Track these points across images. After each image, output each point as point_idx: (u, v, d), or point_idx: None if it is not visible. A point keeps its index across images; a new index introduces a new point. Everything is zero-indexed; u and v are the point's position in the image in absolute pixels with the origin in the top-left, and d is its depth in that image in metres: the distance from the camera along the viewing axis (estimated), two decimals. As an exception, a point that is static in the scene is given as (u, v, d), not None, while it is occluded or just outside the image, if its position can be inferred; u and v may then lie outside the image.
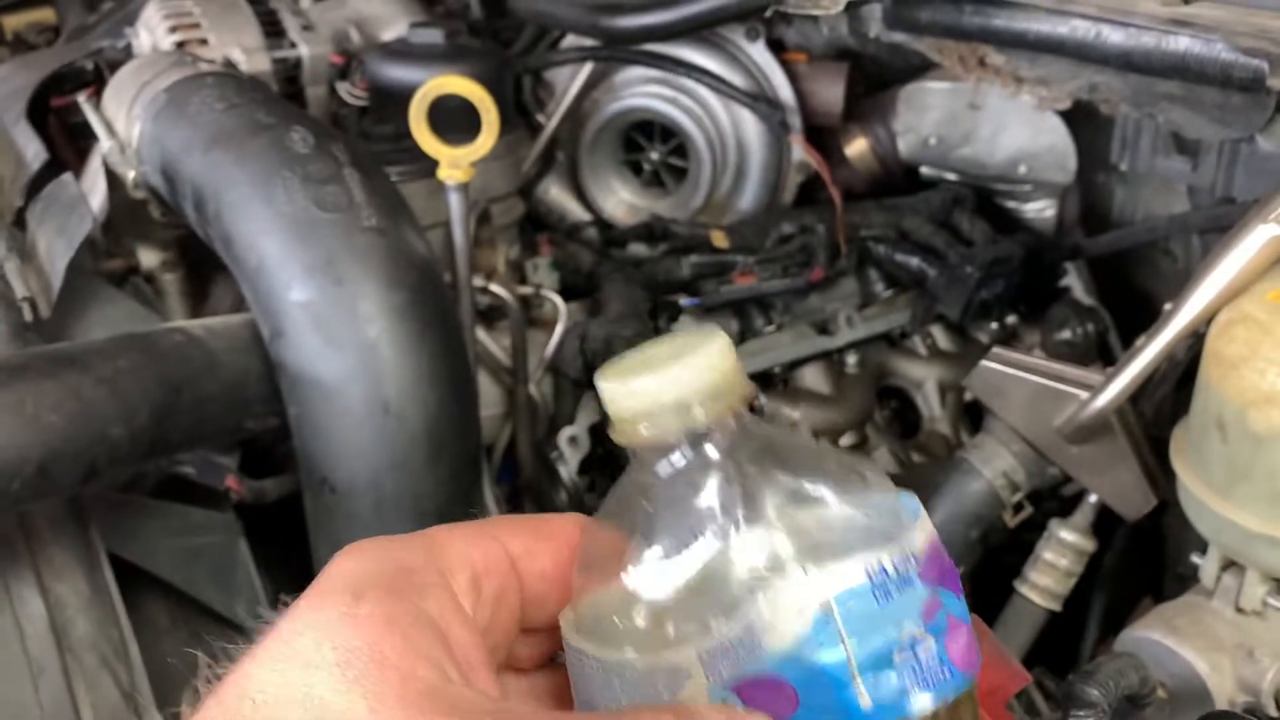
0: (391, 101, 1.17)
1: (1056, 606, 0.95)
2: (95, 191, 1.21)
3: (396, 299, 0.81)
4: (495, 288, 1.08)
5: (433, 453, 0.81)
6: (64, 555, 0.84)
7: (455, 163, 0.87)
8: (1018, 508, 0.96)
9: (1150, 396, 0.92)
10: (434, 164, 1.08)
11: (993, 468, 0.92)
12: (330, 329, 0.79)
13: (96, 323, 1.03)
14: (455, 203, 0.90)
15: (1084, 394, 0.88)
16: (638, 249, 1.44)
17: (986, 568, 1.03)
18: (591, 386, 1.19)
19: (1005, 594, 0.98)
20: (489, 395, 1.20)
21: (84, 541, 0.86)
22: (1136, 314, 1.50)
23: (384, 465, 0.80)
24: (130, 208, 1.17)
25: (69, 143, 1.58)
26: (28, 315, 0.91)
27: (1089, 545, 0.95)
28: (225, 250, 0.86)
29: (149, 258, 1.19)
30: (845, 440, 1.25)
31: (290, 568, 1.27)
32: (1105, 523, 0.97)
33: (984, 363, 0.93)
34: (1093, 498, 0.95)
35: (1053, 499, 1.04)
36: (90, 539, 0.87)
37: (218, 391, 0.83)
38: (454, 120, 0.99)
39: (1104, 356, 1.38)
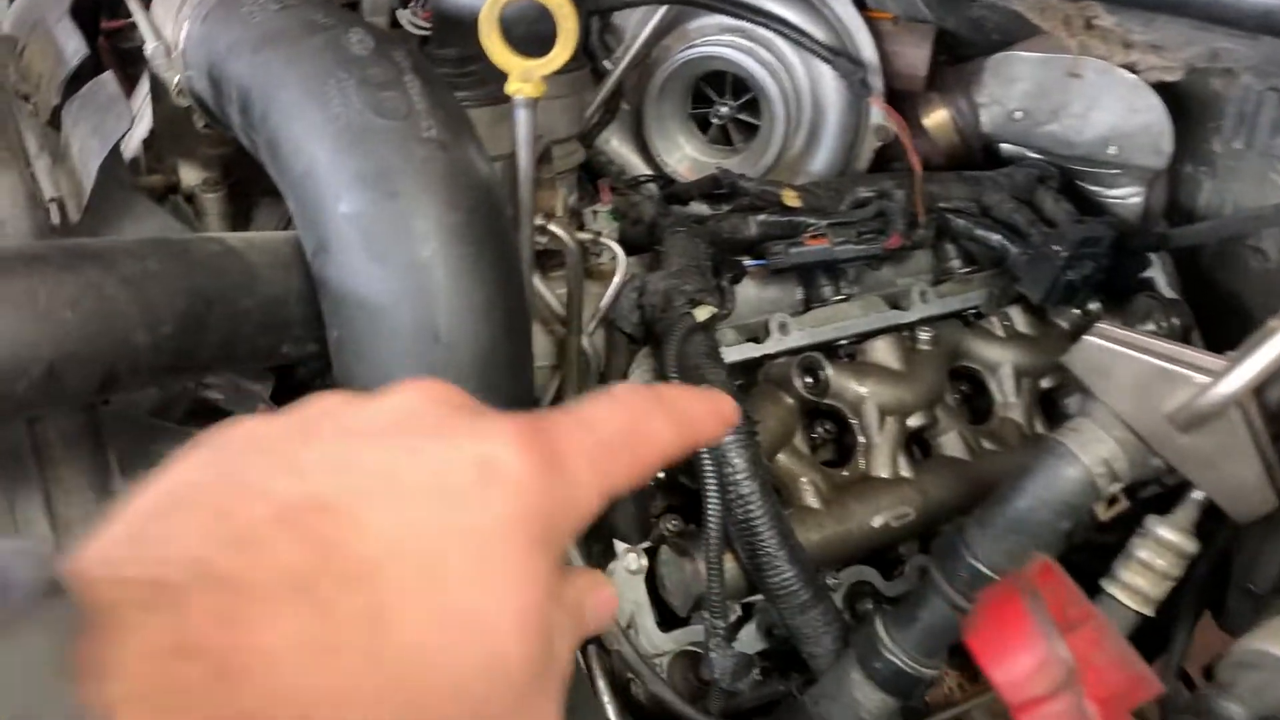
0: (456, 25, 1.10)
1: (1150, 611, 0.87)
2: (142, 118, 1.15)
3: (454, 219, 0.73)
4: (555, 228, 1.00)
5: (483, 390, 0.73)
6: (76, 476, 0.78)
7: (527, 75, 0.80)
8: (1111, 500, 0.87)
9: (1274, 387, 0.83)
10: (498, 90, 1.01)
11: (1091, 454, 0.84)
12: (380, 246, 0.72)
13: (129, 235, 0.97)
14: (523, 120, 0.82)
15: (1202, 378, 0.79)
16: (700, 207, 1.36)
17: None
18: (647, 342, 1.11)
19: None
20: (538, 345, 1.12)
21: (99, 464, 0.79)
22: (1218, 313, 1.41)
23: (429, 400, 0.73)
24: (174, 122, 1.10)
25: (119, 68, 1.52)
26: (55, 218, 0.85)
27: (1191, 546, 0.86)
28: (270, 157, 0.79)
29: (190, 175, 1.13)
30: (913, 421, 1.16)
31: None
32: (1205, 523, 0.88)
33: (1088, 338, 0.85)
34: (1198, 494, 0.86)
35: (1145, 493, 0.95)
36: (106, 462, 0.80)
37: (254, 308, 0.76)
38: (521, 46, 0.91)
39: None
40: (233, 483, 0.35)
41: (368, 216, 0.72)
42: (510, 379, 0.76)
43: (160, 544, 0.32)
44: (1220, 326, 1.40)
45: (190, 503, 0.34)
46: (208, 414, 1.01)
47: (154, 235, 0.87)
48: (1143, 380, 0.82)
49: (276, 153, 0.77)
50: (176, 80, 0.98)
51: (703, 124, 1.44)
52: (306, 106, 0.75)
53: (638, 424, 0.42)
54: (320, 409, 0.40)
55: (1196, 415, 0.79)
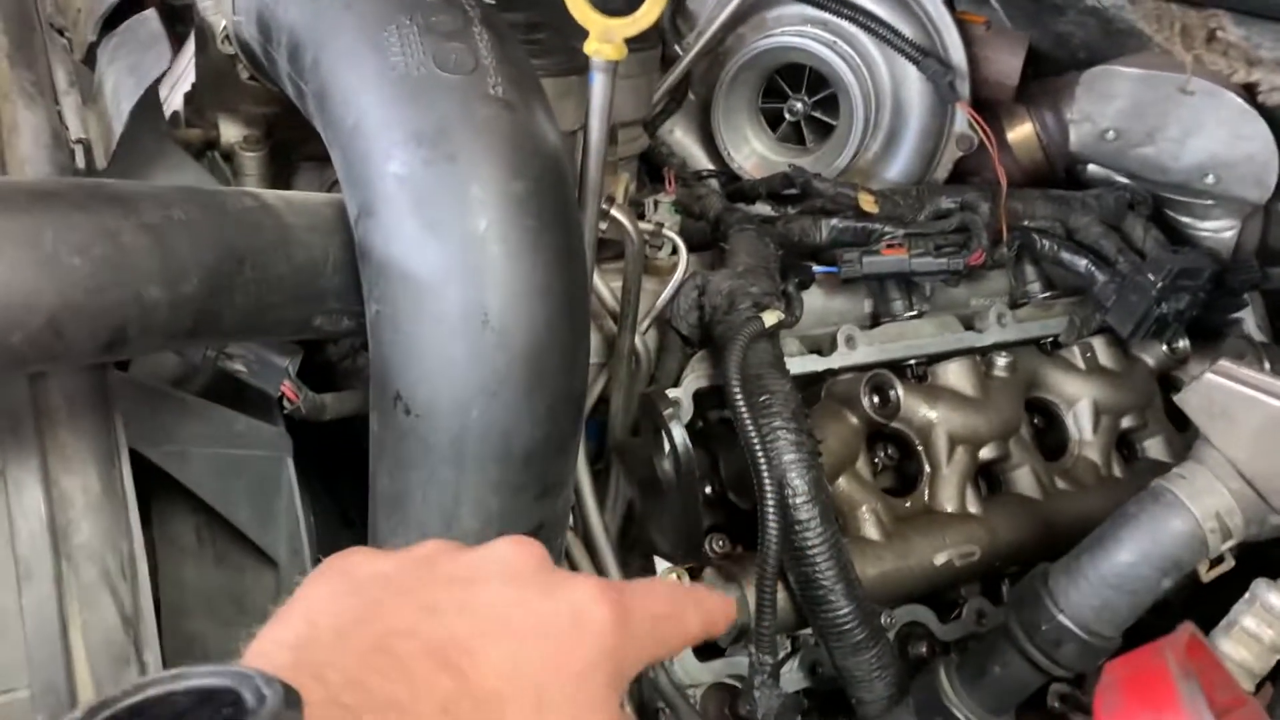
0: (523, -10, 1.02)
1: (1251, 686, 0.77)
2: (186, 75, 1.08)
3: (517, 189, 0.65)
4: (616, 213, 0.92)
5: (533, 381, 0.66)
6: (78, 445, 0.70)
7: (608, 34, 0.72)
8: (1216, 560, 0.78)
9: None
10: (566, 61, 0.93)
11: (1203, 506, 0.75)
12: (432, 213, 0.64)
13: (160, 189, 0.89)
14: (599, 85, 0.74)
15: (1340, 430, 0.70)
16: (764, 209, 1.27)
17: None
18: (704, 346, 1.03)
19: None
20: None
21: (104, 432, 0.72)
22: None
23: (474, 388, 0.65)
24: (217, 75, 1.03)
25: (163, 19, 1.45)
26: (80, 160, 0.78)
27: (1306, 618, 0.77)
28: (319, 108, 0.71)
29: (231, 131, 1.05)
30: (985, 452, 1.07)
31: (328, 505, 1.13)
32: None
33: (1209, 375, 0.76)
34: (1317, 560, 0.77)
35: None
36: (112, 431, 0.73)
37: (287, 273, 0.68)
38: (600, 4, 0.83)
39: None
40: (382, 619, 0.42)
41: (421, 179, 0.64)
42: (563, 372, 0.68)
43: (325, 669, 0.38)
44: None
45: (348, 634, 0.41)
46: (229, 388, 0.93)
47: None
48: (1270, 427, 0.73)
49: (325, 104, 0.70)
50: (223, 25, 0.91)
51: (773, 120, 1.36)
52: (362, 53, 0.68)
53: (680, 608, 0.51)
54: (429, 553, 0.48)
55: (1331, 472, 0.70)
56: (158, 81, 0.83)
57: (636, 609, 0.47)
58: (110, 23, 0.91)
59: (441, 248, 0.64)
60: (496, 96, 0.67)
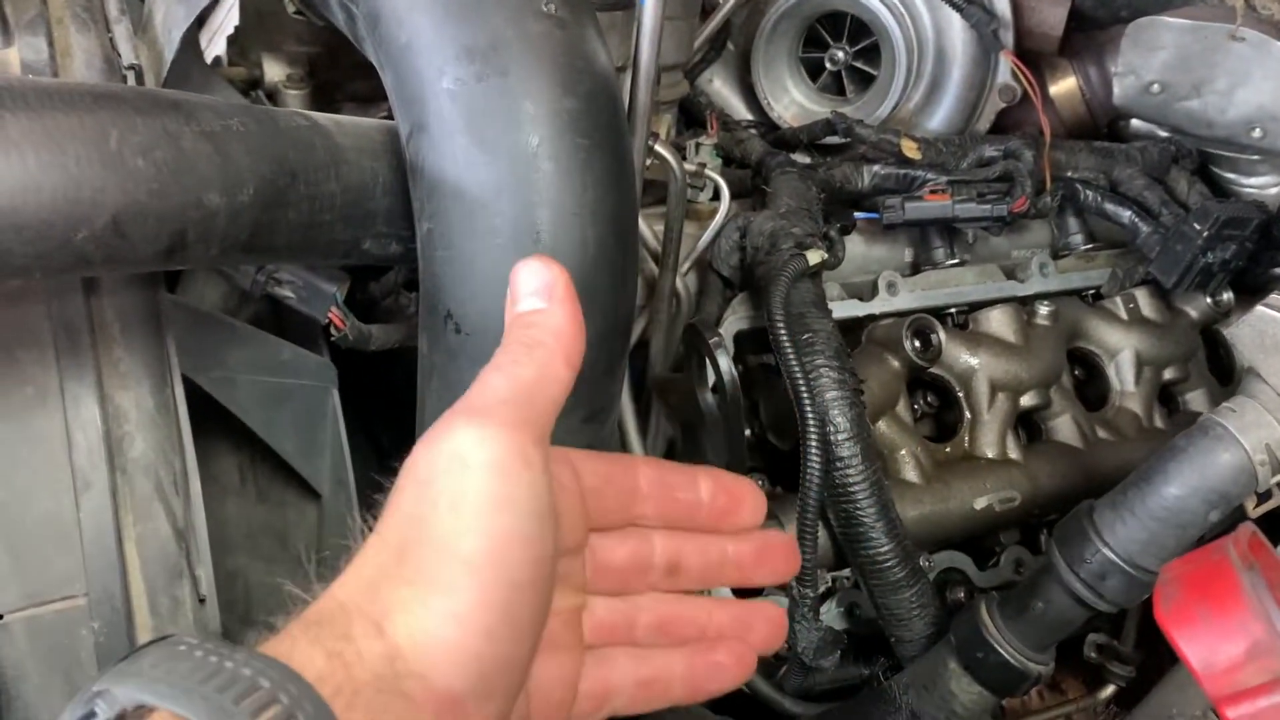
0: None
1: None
2: (231, 16, 1.08)
3: (569, 105, 0.65)
4: (660, 149, 0.92)
5: (583, 301, 0.65)
6: (131, 361, 0.71)
7: (662, -46, 0.71)
8: (1264, 495, 0.78)
9: None
10: (612, -4, 0.93)
11: (1253, 438, 0.74)
12: (484, 129, 0.64)
13: (207, 123, 0.90)
14: (650, 11, 0.74)
15: (1397, 362, 0.69)
16: (803, 158, 1.27)
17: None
18: (745, 288, 1.03)
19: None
20: (627, 281, 1.05)
21: (156, 351, 0.73)
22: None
23: (524, 307, 0.65)
24: (262, 12, 1.04)
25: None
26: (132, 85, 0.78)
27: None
28: (370, 30, 0.71)
29: (274, 70, 1.06)
30: (1026, 400, 1.07)
31: (362, 441, 1.14)
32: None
33: (1259, 308, 0.75)
34: (1369, 497, 0.76)
35: None
36: (164, 351, 0.74)
37: (337, 193, 0.69)
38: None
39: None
40: None
41: (473, 94, 0.64)
42: (612, 293, 0.68)
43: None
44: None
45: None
46: (274, 321, 0.94)
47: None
48: (1322, 360, 0.72)
49: (377, 24, 0.70)
50: (270, -43, 0.91)
51: (814, 70, 1.35)
52: (415, -28, 0.68)
53: (536, 361, 0.52)
54: None
55: (1386, 403, 0.69)
56: (209, 9, 0.83)
57: (494, 405, 0.48)
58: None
59: (493, 164, 0.64)
60: (549, 14, 0.66)
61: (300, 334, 0.91)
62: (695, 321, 0.94)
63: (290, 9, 0.94)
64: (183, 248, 0.58)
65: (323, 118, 0.72)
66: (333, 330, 0.84)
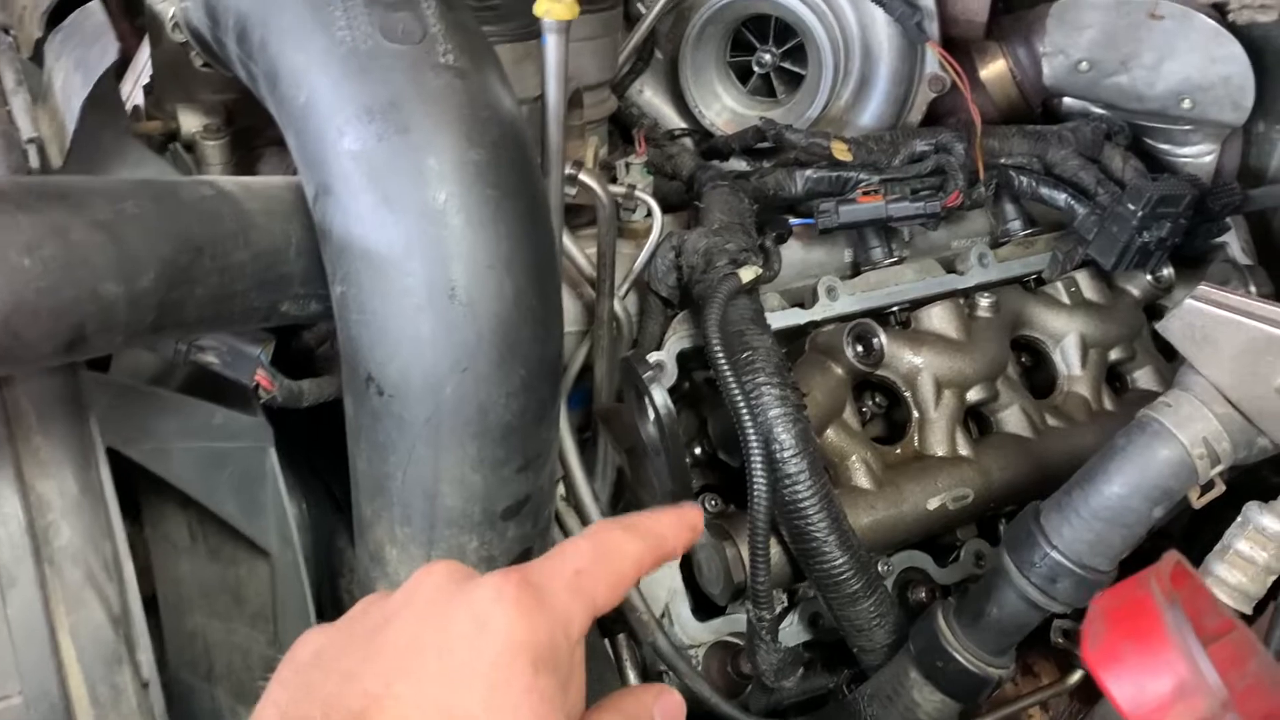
0: (478, -44, 1.01)
1: (1248, 609, 0.77)
2: (147, 70, 1.06)
3: (474, 157, 0.64)
4: (585, 178, 0.91)
5: (505, 355, 0.65)
6: (52, 448, 0.69)
7: (558, -6, 0.70)
8: (1206, 486, 0.78)
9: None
10: (523, 25, 0.92)
11: (1190, 432, 0.74)
12: (388, 188, 0.63)
13: (120, 185, 0.88)
14: (553, 48, 0.73)
15: (1324, 348, 0.69)
16: (739, 164, 1.26)
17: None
18: (684, 307, 1.02)
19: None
20: (565, 310, 1.03)
21: (78, 434, 0.71)
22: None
23: (445, 365, 0.64)
24: (173, 65, 1.02)
25: (126, 16, 1.43)
26: (34, 160, 0.76)
27: (1299, 538, 0.77)
28: (270, 90, 0.70)
29: (190, 121, 1.04)
30: (972, 394, 1.07)
31: (320, 489, 1.13)
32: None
33: (1189, 301, 0.75)
34: (1308, 480, 0.77)
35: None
36: (87, 431, 0.72)
37: (248, 260, 0.67)
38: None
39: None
40: (310, 698, 0.47)
41: (375, 154, 0.63)
42: (536, 342, 0.67)
43: None
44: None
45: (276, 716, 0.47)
46: (209, 381, 0.92)
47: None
48: (1252, 349, 0.72)
49: (276, 84, 0.68)
50: (172, 13, 0.89)
51: (743, 74, 1.34)
52: (308, 29, 0.66)
53: (608, 547, 0.51)
54: (359, 609, 0.51)
55: (1317, 390, 0.69)
56: (110, 75, 0.81)
57: (546, 582, 0.48)
58: (57, 16, 0.89)
59: (401, 223, 0.63)
60: (448, 65, 0.65)
61: (237, 393, 0.90)
62: (629, 356, 0.93)
63: (197, 63, 0.92)
64: (83, 340, 0.57)
65: (229, 183, 0.71)
66: (261, 392, 0.83)
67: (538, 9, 0.72)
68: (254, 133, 1.07)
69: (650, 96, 1.37)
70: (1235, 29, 1.16)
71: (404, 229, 0.63)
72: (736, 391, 0.87)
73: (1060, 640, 1.11)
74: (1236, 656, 0.57)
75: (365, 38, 0.65)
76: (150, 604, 1.06)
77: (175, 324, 0.64)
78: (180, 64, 0.98)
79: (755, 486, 0.85)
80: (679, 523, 0.54)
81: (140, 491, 1.00)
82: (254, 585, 1.00)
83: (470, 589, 0.48)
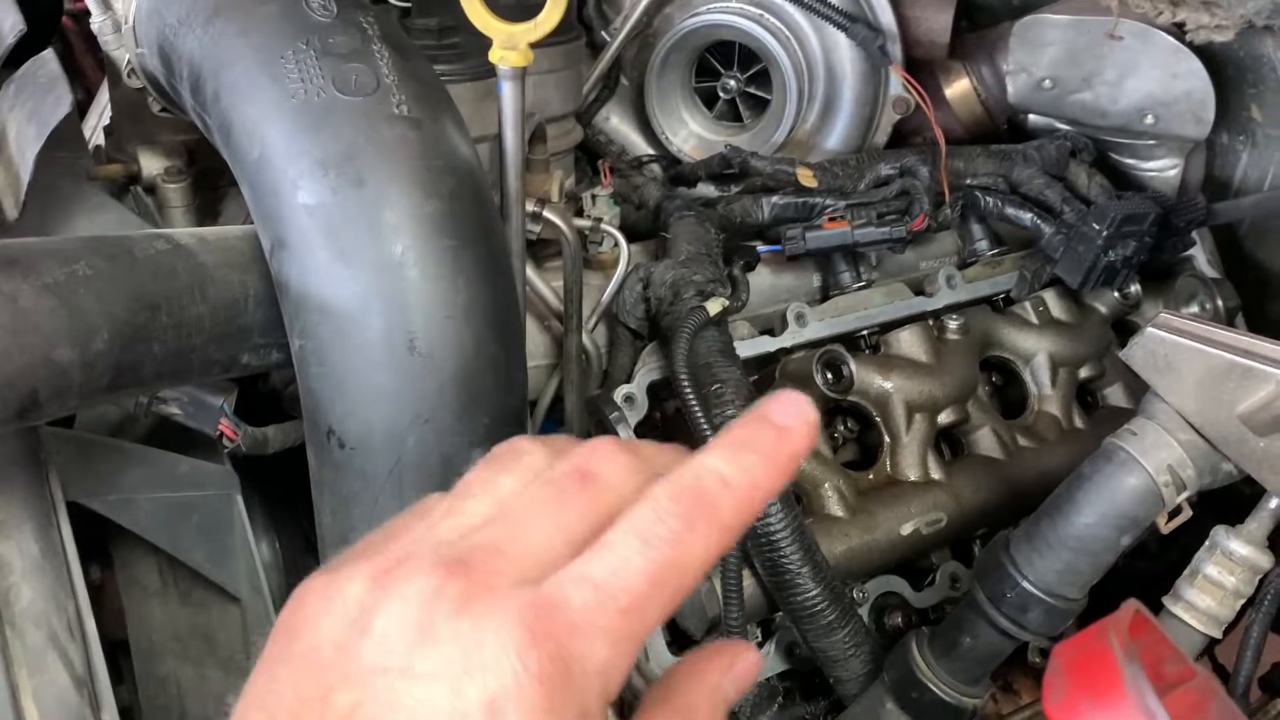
0: (437, -7, 1.00)
1: (1218, 633, 0.78)
2: (109, 112, 1.06)
3: (430, 208, 0.64)
4: (549, 214, 0.90)
5: (468, 405, 0.64)
6: (11, 508, 0.69)
7: (511, 41, 0.70)
8: (1174, 511, 0.78)
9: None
10: (483, 64, 0.91)
11: (1155, 460, 0.75)
12: (344, 242, 0.63)
13: (81, 231, 0.87)
14: (509, 95, 0.72)
15: (1283, 374, 0.70)
16: (707, 189, 1.26)
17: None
18: (654, 338, 1.02)
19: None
20: (534, 343, 1.04)
21: (38, 492, 0.70)
22: (1258, 292, 1.32)
23: (407, 416, 0.64)
24: (132, 107, 1.01)
25: (89, 51, 1.43)
26: (-12, 215, 0.76)
27: (1265, 562, 0.77)
28: (224, 142, 0.69)
29: (151, 164, 1.03)
30: (943, 417, 1.07)
31: (294, 531, 1.12)
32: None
33: (1150, 330, 0.76)
34: (1273, 503, 0.77)
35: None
36: (46, 489, 0.71)
37: (205, 314, 0.67)
38: (509, 14, 0.81)
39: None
40: None
41: (330, 207, 0.63)
42: (499, 390, 0.67)
43: None
44: (1260, 306, 1.32)
45: None
46: (174, 430, 0.92)
47: (102, 232, 0.77)
48: (1214, 376, 0.73)
49: (229, 137, 0.68)
50: (128, 59, 0.88)
51: (709, 99, 1.34)
52: (260, 82, 0.66)
53: (673, 556, 0.39)
54: (326, 636, 0.39)
55: (1278, 417, 0.69)
56: (73, 117, 0.80)
57: (585, 637, 0.37)
58: (10, 63, 0.88)
59: (358, 276, 0.63)
60: (402, 115, 0.65)
61: (204, 439, 0.89)
62: (595, 396, 0.93)
63: (155, 108, 0.91)
64: (36, 406, 0.56)
65: (185, 235, 0.70)
66: (225, 442, 0.82)
67: (493, 56, 0.72)
68: (217, 173, 1.06)
69: (617, 124, 1.37)
70: (1193, 45, 1.17)
71: (361, 282, 0.63)
72: (705, 426, 0.87)
73: (1038, 660, 1.12)
74: (1197, 703, 0.57)
75: (318, 90, 0.64)
76: (122, 648, 1.05)
77: (133, 383, 0.64)
78: (139, 108, 0.97)
79: (726, 521, 0.85)
80: (777, 438, 0.41)
81: (110, 534, 0.99)
82: (226, 630, 1.00)
83: (478, 652, 0.36)
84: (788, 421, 0.42)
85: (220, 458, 0.87)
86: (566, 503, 0.41)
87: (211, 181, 1.06)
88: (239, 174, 0.68)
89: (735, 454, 0.41)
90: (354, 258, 0.63)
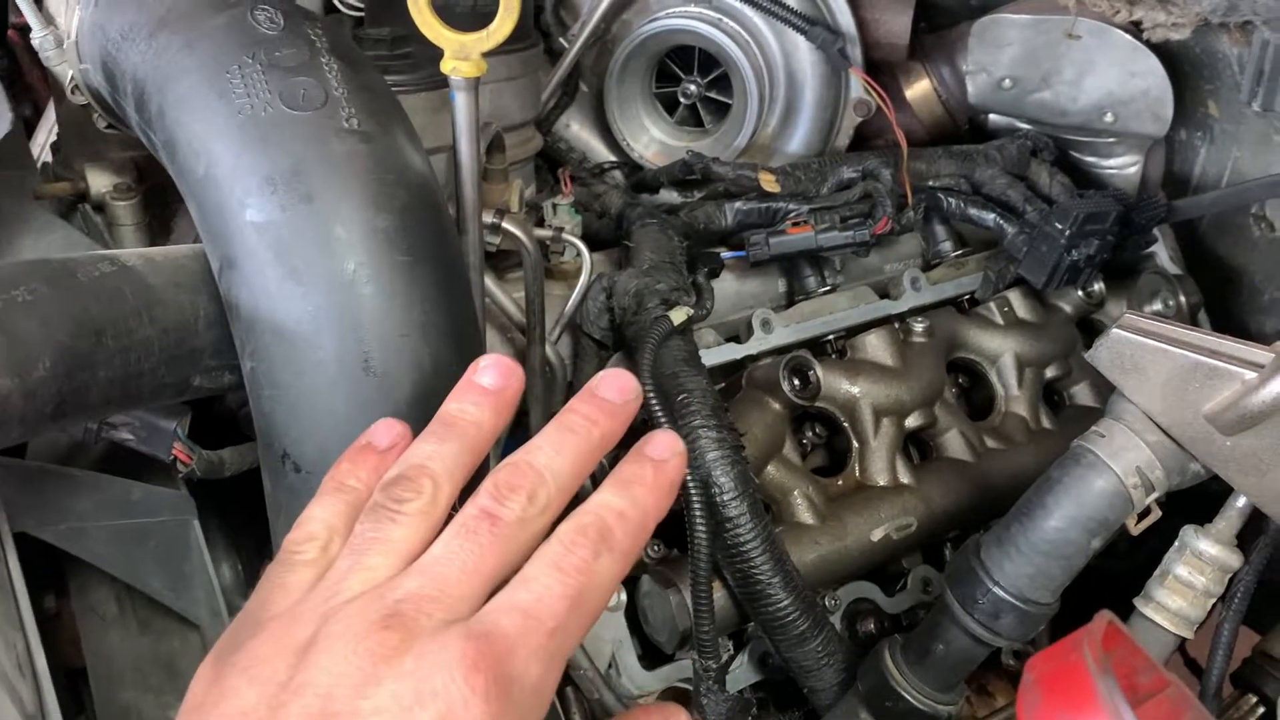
0: (390, 3, 0.99)
1: (1189, 634, 0.77)
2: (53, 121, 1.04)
3: (383, 224, 0.62)
4: (509, 225, 0.89)
5: (425, 423, 0.63)
6: (-45, 538, 0.66)
7: (463, 51, 0.68)
8: (1144, 512, 0.78)
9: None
10: (437, 74, 0.90)
11: (1123, 462, 0.74)
12: (295, 260, 0.61)
13: (27, 252, 0.85)
14: (462, 105, 0.71)
15: (1248, 374, 0.69)
16: (670, 195, 1.25)
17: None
18: (618, 348, 1.01)
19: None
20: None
21: (-17, 522, 0.68)
22: (1219, 287, 1.33)
23: (362, 439, 0.62)
24: (78, 124, 0.99)
25: (36, 65, 1.39)
26: (-74, 238, 0.73)
27: (1234, 561, 0.77)
28: (170, 159, 0.67)
29: (100, 181, 1.01)
30: (911, 421, 1.06)
31: (263, 551, 1.10)
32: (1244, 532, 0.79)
33: (1116, 330, 0.75)
34: (1240, 502, 0.77)
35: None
36: (-8, 519, 0.69)
37: (154, 337, 0.65)
38: (462, 22, 0.80)
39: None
40: None
41: (279, 225, 0.61)
42: (459, 410, 0.65)
43: None
44: (1221, 301, 1.32)
45: None
46: (128, 455, 0.89)
47: (48, 253, 0.75)
48: (1180, 376, 0.72)
49: (175, 154, 0.66)
50: (71, 75, 0.86)
51: (670, 104, 1.33)
52: (206, 97, 0.64)
53: (586, 581, 0.45)
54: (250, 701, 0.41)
55: (1244, 416, 0.69)
56: (19, 135, 0.78)
57: (518, 656, 0.42)
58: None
59: (310, 295, 0.61)
60: (352, 129, 0.63)
61: (159, 464, 0.87)
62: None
63: (101, 125, 0.89)
64: (-26, 438, 0.54)
65: (131, 256, 0.68)
66: (179, 466, 0.80)
67: (444, 66, 0.70)
68: (168, 188, 1.04)
69: (578, 130, 1.36)
70: (1150, 43, 1.18)
71: (313, 301, 0.61)
72: (672, 437, 0.86)
73: (1011, 662, 1.11)
74: (1171, 713, 0.56)
75: (265, 105, 0.63)
76: (82, 677, 1.02)
77: (78, 409, 0.61)
78: (85, 124, 0.95)
79: (695, 533, 0.84)
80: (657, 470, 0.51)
81: (65, 562, 0.97)
82: (187, 658, 0.97)
83: (421, 686, 0.40)
84: (664, 456, 0.53)
85: (176, 482, 0.85)
86: (481, 547, 0.46)
87: (163, 198, 1.04)
88: (185, 192, 0.66)
89: (625, 489, 0.50)
90: (305, 276, 0.61)
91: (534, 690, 0.42)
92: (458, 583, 0.44)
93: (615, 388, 0.54)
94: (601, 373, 0.55)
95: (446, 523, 0.48)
